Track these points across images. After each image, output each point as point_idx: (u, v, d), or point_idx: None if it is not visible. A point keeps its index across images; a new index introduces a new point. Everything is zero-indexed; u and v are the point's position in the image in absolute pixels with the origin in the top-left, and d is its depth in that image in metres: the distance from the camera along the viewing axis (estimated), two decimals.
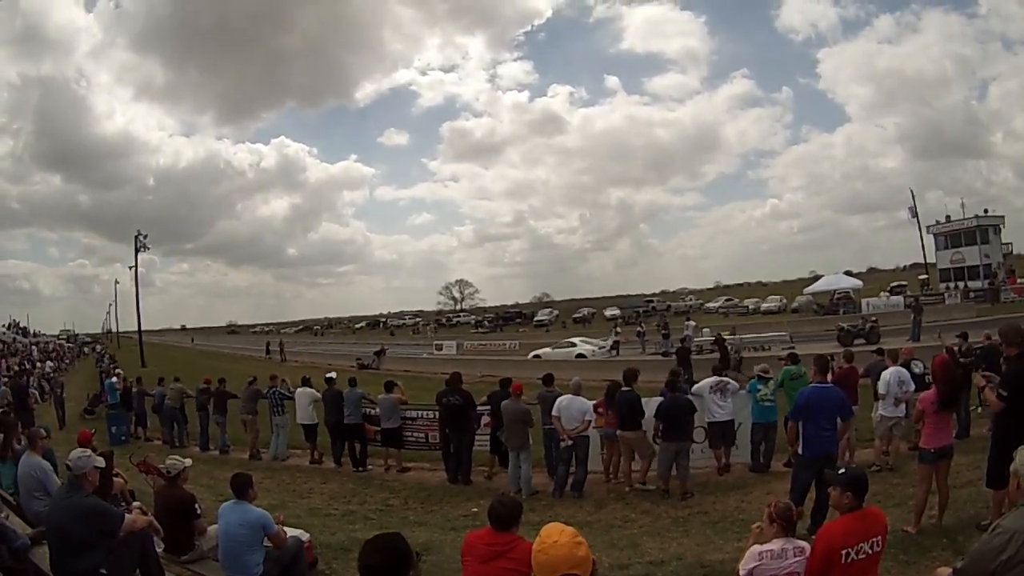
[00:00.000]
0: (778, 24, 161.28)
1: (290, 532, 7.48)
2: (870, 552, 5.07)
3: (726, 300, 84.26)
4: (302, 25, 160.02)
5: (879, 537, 5.14)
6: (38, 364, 43.06)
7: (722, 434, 12.72)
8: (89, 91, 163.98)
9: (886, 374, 11.66)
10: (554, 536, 2.93)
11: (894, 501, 9.26)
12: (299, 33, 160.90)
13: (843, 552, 4.98)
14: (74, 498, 5.98)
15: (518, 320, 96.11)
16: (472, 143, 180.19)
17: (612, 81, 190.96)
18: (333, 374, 17.07)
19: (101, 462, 6.51)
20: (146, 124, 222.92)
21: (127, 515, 6.39)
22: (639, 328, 42.64)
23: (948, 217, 61.55)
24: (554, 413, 12.15)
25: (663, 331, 39.34)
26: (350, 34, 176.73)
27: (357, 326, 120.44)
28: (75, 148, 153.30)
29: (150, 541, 6.44)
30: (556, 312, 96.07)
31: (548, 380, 13.50)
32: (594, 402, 12.59)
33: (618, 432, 12.21)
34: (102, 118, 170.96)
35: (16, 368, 36.55)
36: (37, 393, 29.02)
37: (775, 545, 4.99)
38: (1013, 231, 68.40)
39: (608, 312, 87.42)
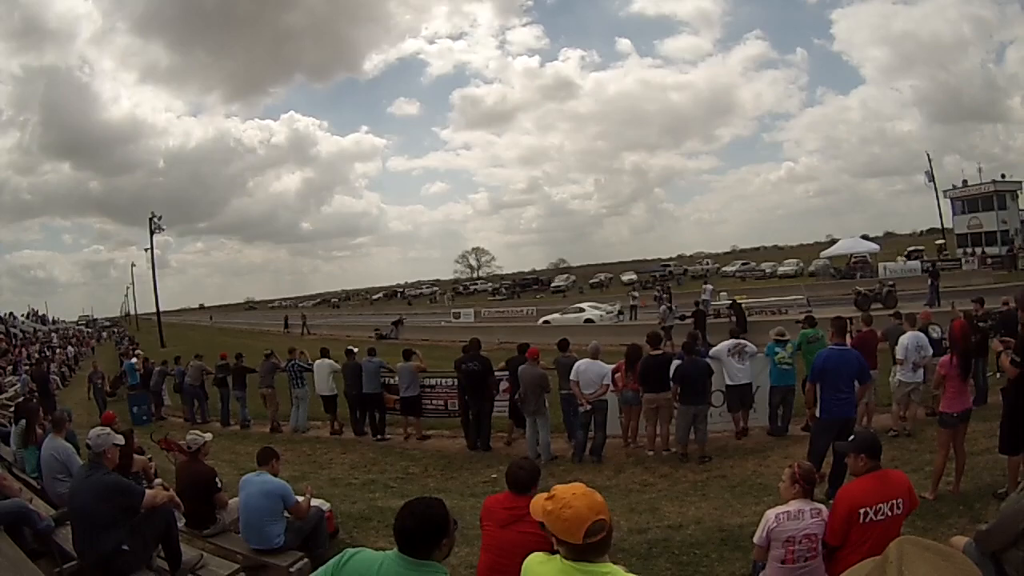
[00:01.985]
0: None
1: (311, 502, 7.54)
2: (890, 514, 5.08)
3: (743, 264, 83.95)
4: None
5: (900, 499, 5.13)
6: (58, 351, 43.41)
7: (740, 397, 12.69)
8: (93, 78, 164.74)
9: (904, 339, 11.54)
10: (570, 491, 2.93)
11: (912, 467, 9.21)
12: (304, 7, 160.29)
13: (861, 511, 5.01)
14: (95, 476, 6.02)
15: (535, 287, 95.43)
16: (483, 110, 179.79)
17: (624, 44, 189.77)
18: (354, 348, 17.13)
19: (120, 439, 6.55)
20: (153, 107, 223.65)
21: (148, 491, 6.43)
22: (656, 293, 42.44)
23: (965, 182, 60.80)
24: (572, 378, 12.15)
25: (664, 295, 39.08)
26: (356, 5, 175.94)
27: (374, 297, 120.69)
28: (83, 135, 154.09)
29: (172, 517, 6.47)
30: (573, 278, 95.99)
31: (564, 345, 13.51)
32: (613, 366, 12.58)
33: (646, 395, 12.16)
34: (108, 104, 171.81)
35: (37, 356, 36.89)
36: (58, 379, 29.26)
37: (792, 507, 5.02)
38: None
39: (625, 277, 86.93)
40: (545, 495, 3.05)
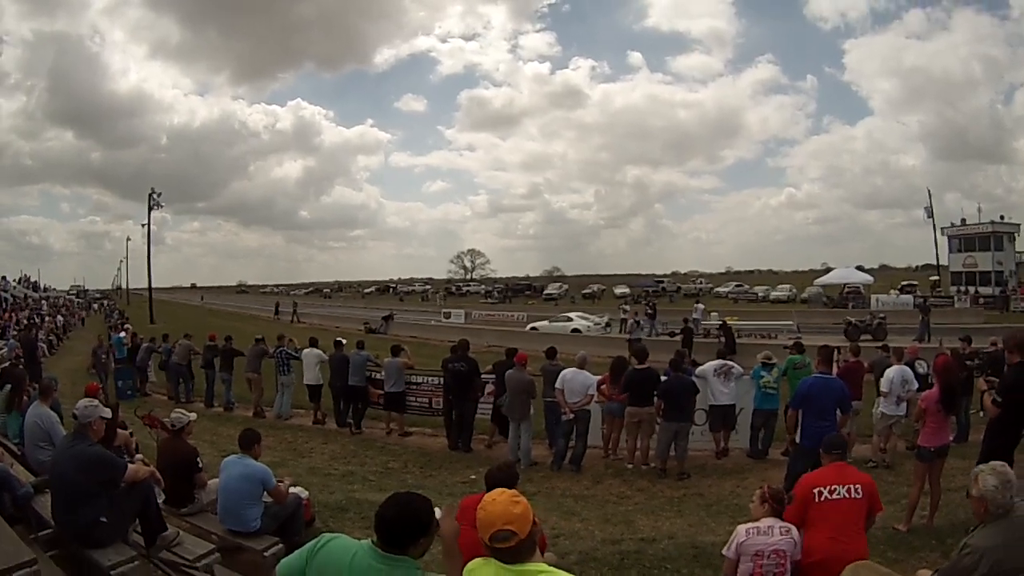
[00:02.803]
0: (806, 11, 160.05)
1: (290, 490, 7.58)
2: (846, 495, 5.48)
3: (736, 286, 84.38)
4: None
5: (858, 485, 5.54)
6: (47, 319, 43.32)
7: (723, 417, 12.76)
8: (103, 48, 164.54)
9: (890, 372, 11.65)
10: (494, 495, 3.01)
11: (888, 499, 9.21)
12: None
13: (815, 491, 5.45)
14: (78, 447, 6.04)
15: (527, 292, 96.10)
16: (490, 113, 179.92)
17: (635, 58, 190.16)
18: (343, 340, 17.19)
19: (107, 412, 6.57)
20: (161, 83, 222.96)
21: (130, 465, 6.47)
22: (647, 309, 42.64)
23: (964, 220, 61.12)
24: (557, 386, 12.19)
25: (648, 311, 39.25)
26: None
27: (367, 290, 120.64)
28: (89, 105, 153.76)
29: (152, 492, 6.47)
30: (566, 286, 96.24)
31: (551, 353, 13.58)
32: (598, 377, 12.65)
33: (629, 408, 12.23)
34: (116, 75, 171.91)
35: (26, 322, 36.83)
36: (45, 347, 29.25)
37: (762, 523, 5.13)
38: None
39: (618, 290, 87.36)
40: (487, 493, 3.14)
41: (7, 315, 37.60)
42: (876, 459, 11.41)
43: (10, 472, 6.99)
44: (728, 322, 32.00)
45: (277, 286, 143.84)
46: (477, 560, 3.08)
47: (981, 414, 10.14)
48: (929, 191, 67.03)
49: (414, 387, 15.87)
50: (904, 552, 7.34)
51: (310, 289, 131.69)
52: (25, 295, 58.97)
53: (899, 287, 59.55)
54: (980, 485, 4.17)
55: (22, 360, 19.90)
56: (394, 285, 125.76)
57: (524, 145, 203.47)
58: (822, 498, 5.49)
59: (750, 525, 5.16)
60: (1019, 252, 58.30)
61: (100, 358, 21.60)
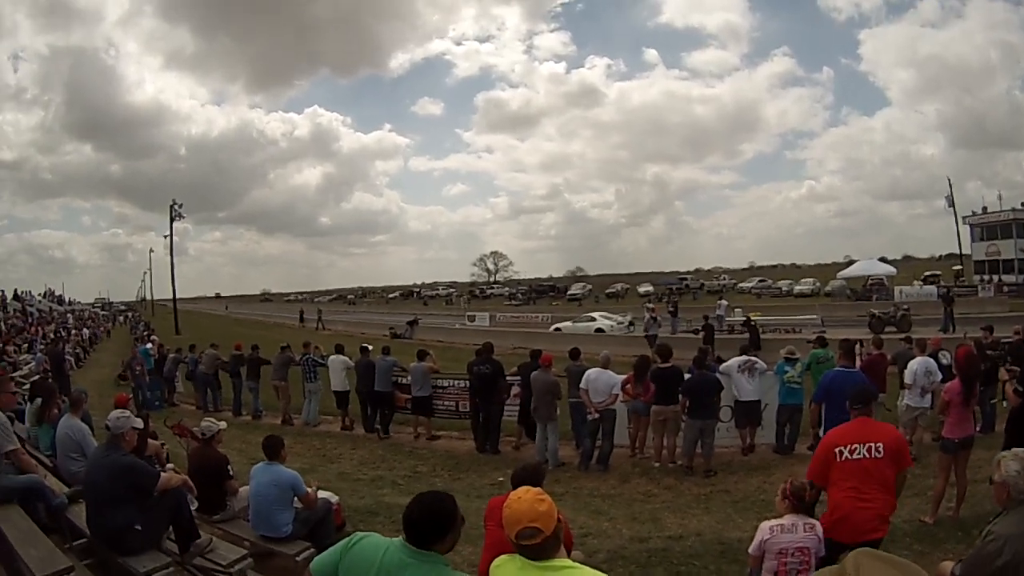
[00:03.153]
0: (820, 2, 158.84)
1: (320, 494, 7.66)
2: (866, 455, 5.48)
3: (759, 281, 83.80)
4: None
5: (880, 444, 5.50)
6: (73, 331, 43.71)
7: (748, 414, 12.76)
8: (118, 60, 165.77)
9: (913, 363, 11.54)
10: (519, 494, 3.09)
11: (914, 491, 9.24)
12: (332, 2, 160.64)
13: (836, 450, 5.51)
14: (112, 456, 6.18)
15: (551, 293, 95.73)
16: (507, 114, 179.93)
17: (651, 55, 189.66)
18: (369, 346, 17.32)
19: (139, 423, 6.73)
20: (177, 93, 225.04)
21: (163, 473, 6.59)
22: (669, 307, 42.59)
23: (985, 209, 60.66)
24: (582, 386, 12.26)
25: (670, 309, 39.44)
26: (384, 2, 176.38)
27: (390, 296, 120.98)
28: (106, 118, 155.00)
29: (184, 499, 6.59)
30: (589, 287, 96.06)
31: (575, 354, 13.59)
32: (623, 377, 12.67)
33: (654, 407, 12.27)
34: (132, 87, 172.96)
35: (52, 335, 37.21)
36: (72, 360, 29.55)
37: (786, 520, 5.15)
38: None
39: (642, 288, 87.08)
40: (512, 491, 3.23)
41: (33, 329, 38.01)
42: None
43: (44, 483, 7.12)
44: (752, 318, 31.94)
45: (300, 293, 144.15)
46: (503, 556, 3.16)
47: (1004, 404, 10.13)
48: (949, 180, 66.67)
49: (440, 391, 15.96)
50: (929, 544, 7.33)
51: (334, 296, 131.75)
52: (50, 309, 59.56)
53: (922, 277, 59.28)
54: (1002, 471, 4.18)
55: (50, 373, 20.16)
56: (418, 289, 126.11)
57: (542, 146, 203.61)
58: (843, 458, 5.53)
59: (774, 522, 5.19)
60: None
61: (135, 370, 21.35)
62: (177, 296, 70.68)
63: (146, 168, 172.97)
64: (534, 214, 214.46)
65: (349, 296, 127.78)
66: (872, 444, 5.56)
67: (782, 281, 78.64)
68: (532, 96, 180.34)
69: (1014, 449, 4.38)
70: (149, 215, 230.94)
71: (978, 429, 9.77)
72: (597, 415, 12.15)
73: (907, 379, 11.48)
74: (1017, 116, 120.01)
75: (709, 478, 11.34)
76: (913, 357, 11.90)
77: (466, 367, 14.84)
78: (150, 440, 8.58)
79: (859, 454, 5.55)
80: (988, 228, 58.57)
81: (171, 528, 6.45)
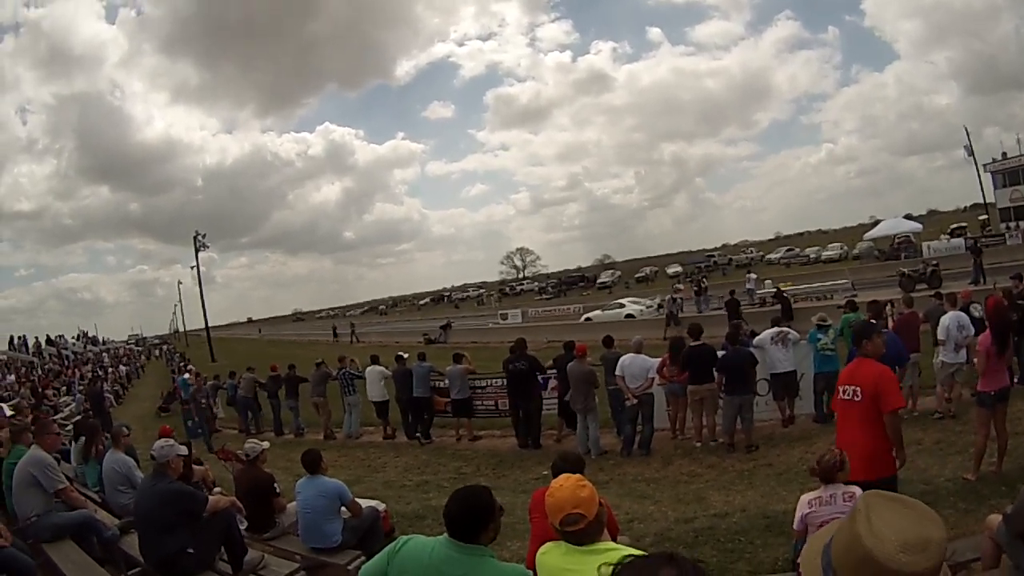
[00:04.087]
0: None
1: (367, 503, 7.75)
2: (846, 398, 5.82)
3: (787, 251, 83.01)
4: (332, 8, 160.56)
5: (858, 387, 5.75)
6: (111, 369, 44.23)
7: (785, 385, 12.73)
8: (124, 101, 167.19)
9: (945, 319, 11.36)
10: (560, 481, 3.18)
11: (955, 448, 9.28)
12: (330, 16, 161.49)
13: (839, 389, 6.00)
14: (159, 485, 6.29)
15: (581, 284, 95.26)
16: (518, 109, 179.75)
17: (655, 33, 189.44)
18: (404, 354, 17.46)
19: (183, 450, 6.83)
20: (187, 126, 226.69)
21: (210, 497, 6.73)
22: (694, 286, 42.54)
23: (1004, 154, 59.48)
24: (617, 373, 12.34)
25: (695, 288, 39.45)
26: (382, 11, 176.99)
27: (421, 302, 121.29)
28: (119, 158, 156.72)
29: (234, 520, 6.74)
30: (619, 273, 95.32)
31: (608, 342, 13.71)
32: (658, 360, 12.71)
33: (690, 387, 12.31)
34: (142, 125, 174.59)
35: (90, 375, 37.67)
36: (112, 397, 29.90)
37: (825, 492, 5.13)
38: None
39: (670, 270, 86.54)
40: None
41: (70, 371, 38.52)
42: (942, 410, 11.22)
43: (95, 517, 7.29)
44: (782, 288, 31.82)
45: (332, 309, 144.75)
46: (549, 544, 3.25)
47: None
48: (967, 128, 65.63)
49: (479, 391, 16.12)
50: (974, 501, 7.28)
51: (365, 308, 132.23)
52: (85, 349, 60.27)
53: (949, 231, 58.43)
54: None
55: (91, 412, 20.44)
56: (448, 293, 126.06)
57: (557, 137, 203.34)
58: (838, 396, 5.91)
59: (813, 495, 5.18)
60: None
61: (200, 403, 20.90)
62: (209, 324, 71.26)
63: (164, 203, 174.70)
64: (556, 206, 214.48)
65: (380, 307, 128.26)
66: (853, 388, 5.78)
67: (809, 248, 77.78)
68: (541, 88, 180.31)
69: None
70: (173, 248, 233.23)
71: (1016, 380, 9.67)
72: (635, 400, 12.19)
73: (940, 335, 11.34)
74: None
75: (751, 453, 11.36)
76: (944, 313, 11.70)
77: (502, 365, 14.94)
78: (195, 466, 8.73)
79: (847, 395, 5.83)
80: (1010, 173, 57.47)
81: (223, 549, 6.58)
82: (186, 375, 25.73)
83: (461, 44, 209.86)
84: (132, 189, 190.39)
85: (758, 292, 36.17)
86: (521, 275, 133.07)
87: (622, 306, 40.44)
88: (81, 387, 30.23)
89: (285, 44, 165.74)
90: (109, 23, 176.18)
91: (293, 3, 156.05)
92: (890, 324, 12.15)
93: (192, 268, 68.43)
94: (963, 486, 7.81)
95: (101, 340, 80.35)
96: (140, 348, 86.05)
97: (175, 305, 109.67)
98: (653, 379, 12.39)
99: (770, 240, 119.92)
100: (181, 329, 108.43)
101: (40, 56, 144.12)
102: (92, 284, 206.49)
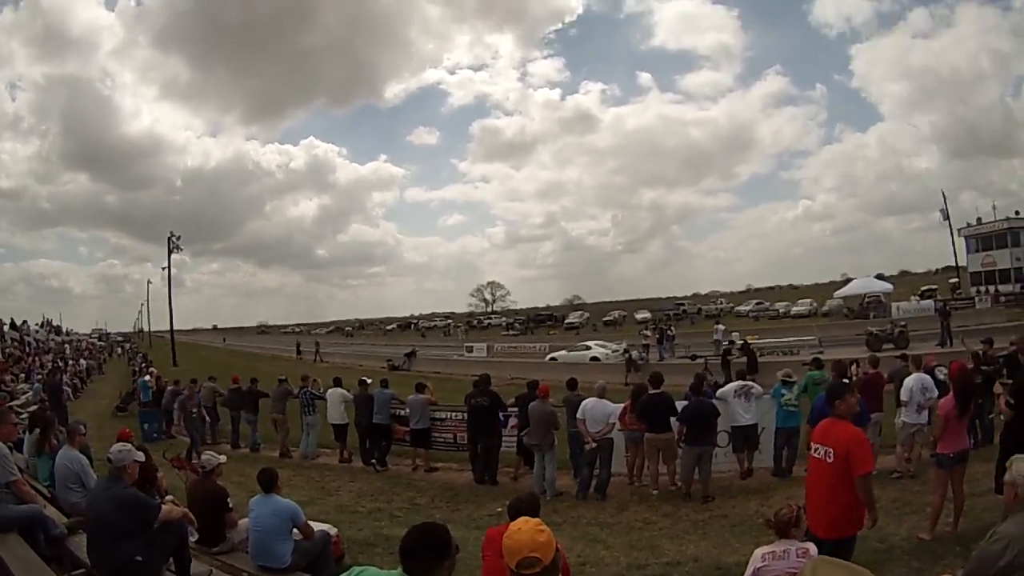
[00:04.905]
0: (812, 19, 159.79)
1: (319, 526, 7.73)
2: (819, 456, 5.93)
3: (756, 303, 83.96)
4: (329, 23, 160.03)
5: (831, 449, 5.83)
6: (71, 362, 43.66)
7: (745, 438, 12.80)
8: (114, 91, 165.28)
9: (909, 380, 11.55)
10: (519, 525, 3.17)
11: (912, 508, 9.38)
12: (326, 32, 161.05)
13: (811, 445, 6.11)
14: (114, 489, 6.29)
15: (549, 323, 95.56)
16: (503, 142, 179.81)
17: (644, 78, 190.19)
18: (368, 379, 17.42)
19: (141, 456, 6.80)
20: (172, 124, 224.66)
21: (164, 506, 6.68)
22: (657, 334, 42.83)
23: (979, 220, 60.82)
24: (579, 416, 12.35)
25: (658, 336, 40.26)
26: (378, 33, 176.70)
27: (388, 327, 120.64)
28: (102, 148, 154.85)
29: (185, 532, 6.76)
30: (587, 315, 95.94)
31: (572, 384, 13.69)
32: (620, 406, 12.77)
33: (647, 435, 12.34)
34: (128, 118, 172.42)
35: (50, 366, 37.12)
36: (70, 390, 29.50)
37: (777, 547, 5.14)
38: None
39: (639, 315, 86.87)
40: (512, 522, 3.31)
41: (31, 359, 37.82)
42: (901, 469, 11.38)
43: (44, 513, 7.19)
44: (749, 341, 32.06)
45: (298, 325, 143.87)
46: None
47: (1001, 417, 10.21)
48: (943, 193, 66.32)
49: (438, 423, 16.03)
50: (928, 561, 7.35)
51: (331, 328, 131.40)
52: (48, 338, 59.44)
53: (919, 292, 59.36)
54: (1013, 471, 4.23)
55: (47, 404, 20.14)
56: (415, 321, 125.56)
57: (538, 174, 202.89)
58: (810, 453, 6.07)
59: (767, 549, 5.20)
60: None
61: (190, 411, 19.24)
62: (174, 328, 70.69)
63: (143, 199, 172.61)
64: (531, 243, 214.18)
65: (347, 328, 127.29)
66: (826, 448, 5.86)
67: (779, 303, 78.70)
68: (527, 123, 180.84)
69: None
70: (146, 246, 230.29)
71: (972, 444, 9.81)
72: (594, 444, 12.20)
73: (903, 396, 11.53)
74: (1009, 123, 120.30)
75: (707, 503, 11.37)
76: (909, 374, 11.92)
77: (464, 399, 14.98)
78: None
79: (819, 454, 5.92)
80: (983, 239, 58.74)
81: (171, 560, 6.52)
82: (147, 377, 25.52)
83: (452, 72, 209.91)
84: (111, 181, 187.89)
85: (724, 343, 36.34)
86: (490, 309, 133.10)
87: (588, 348, 40.51)
88: (40, 376, 29.74)
89: (278, 54, 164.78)
90: (108, 9, 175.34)
91: (291, 14, 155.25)
92: (854, 383, 12.25)
93: (163, 268, 68.59)
94: (918, 545, 7.90)
95: (65, 331, 79.32)
96: (103, 344, 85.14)
97: (142, 304, 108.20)
98: (614, 424, 12.46)
99: (741, 292, 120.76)
100: (146, 329, 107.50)
101: (36, 34, 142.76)
102: (62, 272, 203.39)
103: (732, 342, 33.79)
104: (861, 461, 5.76)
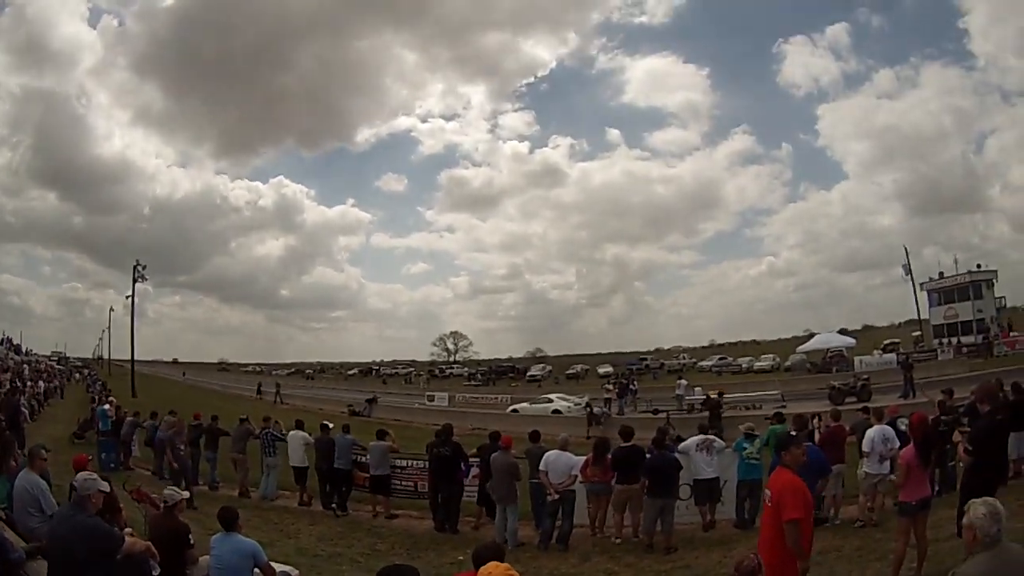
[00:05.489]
0: (779, 79, 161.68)
1: (280, 568, 7.69)
2: (767, 503, 6.29)
3: (719, 359, 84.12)
4: (305, 65, 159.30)
5: (770, 492, 6.20)
6: (29, 383, 42.85)
7: (708, 491, 12.89)
8: (89, 110, 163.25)
9: (871, 432, 11.82)
10: (489, 569, 3.22)
11: (876, 555, 9.52)
12: (301, 73, 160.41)
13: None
14: (78, 518, 6.26)
15: (511, 375, 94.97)
16: (469, 193, 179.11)
17: (613, 134, 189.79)
18: (330, 423, 17.41)
19: (106, 486, 6.79)
20: (143, 150, 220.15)
21: (127, 538, 6.62)
22: (631, 386, 43.03)
23: (941, 274, 61.70)
24: (541, 468, 12.44)
25: (617, 390, 40.51)
26: (352, 77, 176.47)
27: (349, 372, 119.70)
28: (72, 168, 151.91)
29: (147, 566, 6.72)
30: (549, 368, 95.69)
31: (535, 436, 13.85)
32: (582, 459, 12.82)
33: (617, 486, 12.43)
34: (101, 140, 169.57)
35: (9, 385, 36.34)
36: (27, 412, 28.92)
37: None
38: (1010, 284, 68.77)
39: (601, 369, 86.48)
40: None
41: None
42: (864, 518, 11.58)
43: (3, 535, 7.07)
44: (711, 395, 32.23)
45: (259, 365, 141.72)
46: None
47: (961, 465, 10.39)
48: (906, 248, 67.11)
49: (399, 470, 16.03)
50: None
51: (292, 370, 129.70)
52: (7, 354, 58.42)
53: (882, 346, 60.12)
54: (971, 514, 4.31)
55: (3, 424, 19.79)
56: (377, 367, 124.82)
57: (503, 226, 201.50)
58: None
59: None
60: (998, 297, 58.61)
61: (178, 448, 17.63)
62: (135, 358, 69.78)
63: (109, 224, 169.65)
64: (494, 294, 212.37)
65: (307, 371, 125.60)
66: (769, 494, 6.17)
67: (742, 358, 79.03)
68: (495, 175, 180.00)
69: (985, 497, 4.53)
70: (109, 272, 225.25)
71: (935, 492, 9.98)
72: (557, 496, 12.26)
73: (865, 447, 11.80)
74: (971, 179, 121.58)
75: (670, 555, 11.40)
76: (870, 426, 12.19)
77: (425, 448, 15.04)
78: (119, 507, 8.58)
79: (767, 500, 6.24)
80: (945, 292, 59.50)
81: None
82: (106, 406, 25.07)
83: (424, 120, 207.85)
84: (79, 202, 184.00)
85: (687, 398, 36.68)
86: (452, 359, 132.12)
87: (550, 401, 40.74)
88: None
89: (253, 90, 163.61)
90: (91, 27, 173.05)
91: (268, 52, 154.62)
92: (816, 436, 12.42)
93: (127, 297, 67.62)
94: None
95: (25, 351, 78.01)
96: (62, 367, 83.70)
97: (103, 331, 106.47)
98: (576, 476, 12.52)
99: (704, 347, 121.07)
100: (106, 356, 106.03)
101: (17, 42, 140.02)
102: (23, 290, 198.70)
103: (679, 396, 34.16)
104: (789, 507, 5.93)
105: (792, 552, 5.90)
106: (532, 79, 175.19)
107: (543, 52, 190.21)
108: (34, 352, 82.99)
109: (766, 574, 5.50)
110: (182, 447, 17.91)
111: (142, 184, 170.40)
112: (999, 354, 46.37)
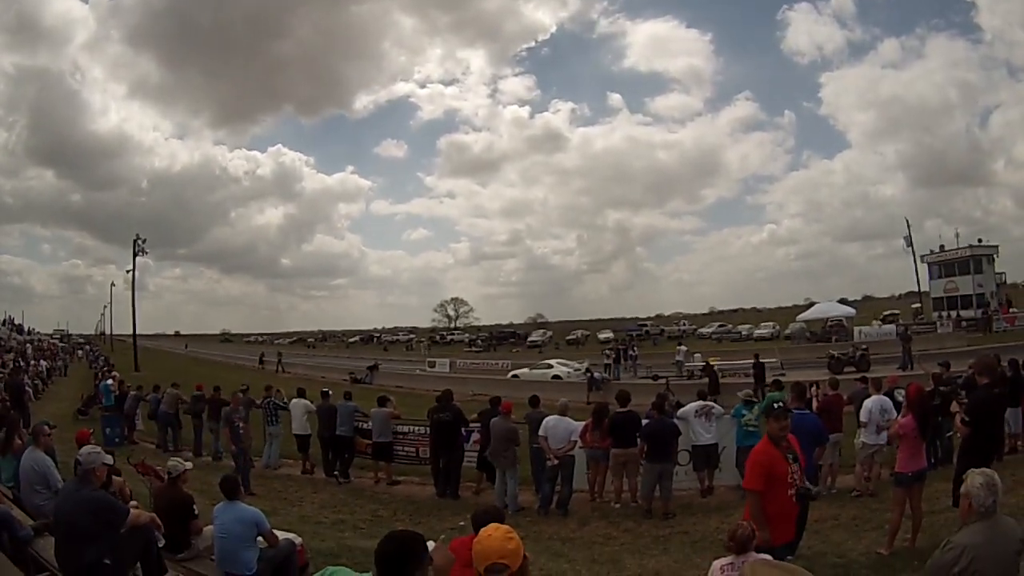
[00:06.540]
0: (784, 46, 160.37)
1: (283, 535, 7.78)
2: None
3: (719, 326, 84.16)
4: (302, 32, 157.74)
5: None
6: (32, 362, 42.98)
7: (706, 457, 13.00)
8: (83, 86, 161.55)
9: (868, 402, 11.84)
10: (490, 531, 3.27)
11: (871, 525, 9.61)
12: (298, 40, 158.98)
13: None
14: (83, 492, 6.29)
15: (512, 340, 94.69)
16: (470, 158, 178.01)
17: (615, 99, 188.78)
18: (330, 390, 17.49)
19: (110, 459, 6.86)
20: (140, 124, 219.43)
21: (132, 510, 6.70)
22: (630, 351, 43.13)
23: (942, 247, 61.53)
24: (541, 433, 12.49)
25: (613, 356, 40.89)
26: (350, 43, 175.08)
27: (351, 340, 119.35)
28: (69, 145, 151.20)
29: (153, 536, 6.79)
30: (550, 333, 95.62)
31: (534, 401, 14.04)
32: (581, 424, 12.92)
33: (614, 450, 12.54)
34: (97, 115, 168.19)
35: (12, 365, 36.49)
36: (31, 391, 29.03)
37: (736, 559, 5.28)
38: (1011, 260, 68.71)
39: (602, 335, 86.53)
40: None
41: None
42: (860, 488, 11.67)
43: (11, 513, 7.17)
44: (711, 362, 32.30)
45: (260, 335, 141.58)
46: None
47: (958, 436, 10.48)
48: (907, 220, 66.88)
49: (401, 437, 16.08)
50: (885, 574, 7.63)
51: (294, 339, 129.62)
52: (10, 334, 58.54)
53: (881, 317, 60.22)
54: (968, 483, 4.38)
55: (8, 403, 19.88)
56: (378, 335, 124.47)
57: (504, 191, 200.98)
58: None
59: (725, 561, 5.33)
60: (999, 273, 58.88)
61: (235, 425, 16.10)
62: (137, 332, 69.86)
63: (107, 199, 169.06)
64: (495, 260, 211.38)
65: (309, 339, 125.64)
66: None
67: (742, 325, 78.71)
68: (495, 140, 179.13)
69: (983, 468, 4.61)
70: (109, 247, 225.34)
71: (931, 463, 10.07)
72: (556, 461, 12.33)
73: (862, 417, 11.83)
74: (975, 152, 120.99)
75: (668, 520, 11.51)
76: (868, 396, 12.21)
77: (426, 414, 15.10)
78: (114, 477, 8.63)
79: None
80: (946, 265, 59.39)
81: (139, 564, 6.54)
82: (109, 381, 25.17)
83: (423, 86, 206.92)
84: (77, 179, 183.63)
85: (687, 364, 36.79)
86: (453, 325, 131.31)
87: (550, 367, 40.59)
88: (1, 375, 29.29)
89: (250, 59, 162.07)
90: (82, 1, 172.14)
91: (264, 20, 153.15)
92: (814, 405, 12.48)
93: (127, 272, 67.13)
94: (876, 560, 8.11)
95: (27, 330, 78.07)
96: (64, 345, 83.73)
97: (105, 307, 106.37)
98: (575, 442, 12.58)
99: (704, 314, 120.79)
100: (108, 332, 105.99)
101: (8, 21, 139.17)
102: (24, 270, 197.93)
103: (679, 362, 34.29)
104: (748, 476, 6.36)
105: (778, 512, 6.04)
106: (532, 43, 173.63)
107: (544, 16, 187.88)
108: (36, 331, 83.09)
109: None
110: (240, 425, 16.09)
111: (140, 158, 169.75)
112: (998, 329, 46.57)
